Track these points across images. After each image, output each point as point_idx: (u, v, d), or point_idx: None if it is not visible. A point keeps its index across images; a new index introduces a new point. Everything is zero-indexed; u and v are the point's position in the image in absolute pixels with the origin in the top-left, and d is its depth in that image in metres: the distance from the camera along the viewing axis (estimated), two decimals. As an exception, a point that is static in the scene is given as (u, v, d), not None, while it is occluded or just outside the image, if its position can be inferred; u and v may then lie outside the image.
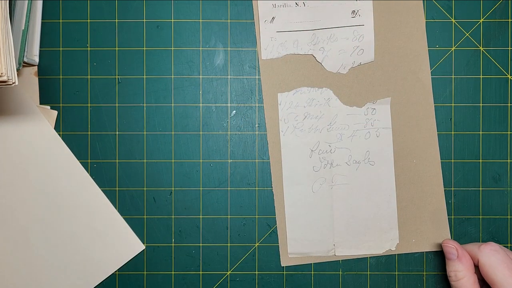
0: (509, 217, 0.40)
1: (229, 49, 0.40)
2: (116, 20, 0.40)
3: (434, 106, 0.40)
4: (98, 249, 0.39)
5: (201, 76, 0.40)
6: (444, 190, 0.40)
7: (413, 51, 0.39)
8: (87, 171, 0.39)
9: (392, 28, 0.39)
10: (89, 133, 0.40)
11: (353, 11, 0.39)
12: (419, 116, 0.40)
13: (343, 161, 0.39)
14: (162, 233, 0.40)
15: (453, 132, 0.40)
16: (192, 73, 0.40)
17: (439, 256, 0.40)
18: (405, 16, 0.39)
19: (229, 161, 0.40)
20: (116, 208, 0.39)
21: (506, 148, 0.40)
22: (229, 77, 0.40)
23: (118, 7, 0.39)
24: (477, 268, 0.35)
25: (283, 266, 0.40)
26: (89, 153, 0.39)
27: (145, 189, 0.40)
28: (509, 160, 0.40)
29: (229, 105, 0.40)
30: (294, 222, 0.39)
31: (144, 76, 0.40)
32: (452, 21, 0.40)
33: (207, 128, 0.40)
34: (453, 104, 0.40)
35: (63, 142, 0.39)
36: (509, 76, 0.40)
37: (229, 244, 0.40)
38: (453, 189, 0.40)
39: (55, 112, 0.39)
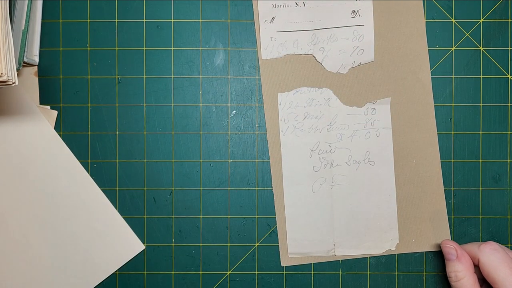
0: (509, 217, 0.40)
1: (229, 49, 0.40)
2: (116, 20, 0.40)
3: (434, 106, 0.40)
4: (98, 249, 0.39)
5: (201, 76, 0.40)
6: (444, 190, 0.40)
7: (413, 51, 0.39)
8: (87, 171, 0.39)
9: (392, 28, 0.39)
10: (89, 133, 0.40)
11: (353, 11, 0.39)
12: (419, 116, 0.40)
13: (343, 161, 0.39)
14: (162, 233, 0.40)
15: (453, 132, 0.40)
16: (192, 73, 0.40)
17: (439, 256, 0.40)
18: (405, 16, 0.39)
19: (229, 161, 0.40)
20: (116, 208, 0.39)
21: (506, 148, 0.40)
22: (229, 77, 0.40)
23: (118, 7, 0.39)
24: (477, 267, 0.35)
25: (283, 266, 0.40)
26: (89, 153, 0.39)
27: (145, 189, 0.40)
28: (509, 160, 0.40)
29: (229, 105, 0.40)
30: (294, 222, 0.39)
31: (144, 76, 0.40)
32: (452, 21, 0.40)
33: (207, 128, 0.40)
34: (453, 104, 0.40)
35: (63, 142, 0.39)
36: (509, 76, 0.40)
37: (229, 244, 0.40)
38: (453, 189, 0.40)
39: (55, 112, 0.39)
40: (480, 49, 0.40)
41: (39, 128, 0.39)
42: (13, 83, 0.32)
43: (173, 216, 0.40)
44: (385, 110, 0.39)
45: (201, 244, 0.40)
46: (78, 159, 0.39)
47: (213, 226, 0.40)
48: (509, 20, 0.40)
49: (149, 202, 0.40)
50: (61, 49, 0.39)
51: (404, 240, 0.40)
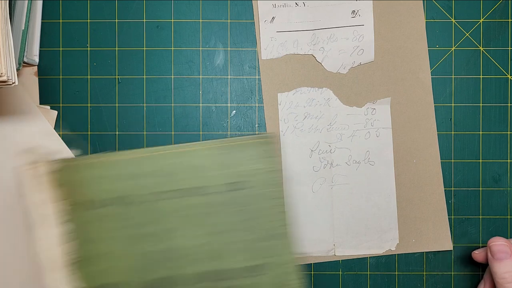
0: (509, 217, 0.40)
1: (229, 49, 0.40)
2: (116, 20, 0.40)
3: (434, 106, 0.40)
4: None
5: (201, 76, 0.40)
6: (444, 190, 0.40)
7: (413, 51, 0.39)
8: (87, 171, 0.39)
9: (392, 28, 0.39)
10: (89, 133, 0.40)
11: (353, 11, 0.39)
12: (419, 116, 0.40)
13: (343, 161, 0.39)
14: (162, 233, 0.40)
15: (453, 132, 0.40)
16: (192, 73, 0.40)
17: (439, 256, 0.40)
18: (405, 16, 0.39)
19: (229, 161, 0.40)
20: (116, 208, 0.39)
21: (506, 148, 0.40)
22: (229, 77, 0.40)
23: (118, 7, 0.39)
24: None
25: (283, 266, 0.40)
26: (89, 153, 0.39)
27: (145, 189, 0.40)
28: (509, 160, 0.40)
29: (229, 105, 0.40)
30: (294, 222, 0.39)
31: (144, 76, 0.40)
32: (452, 21, 0.40)
33: (207, 128, 0.40)
34: (453, 104, 0.40)
35: (63, 142, 0.39)
36: (509, 76, 0.40)
37: (229, 244, 0.40)
38: (453, 189, 0.40)
39: (55, 112, 0.39)
40: (480, 49, 0.40)
41: (39, 128, 0.39)
42: (13, 83, 0.32)
43: (173, 216, 0.40)
44: (385, 110, 0.39)
45: (201, 244, 0.40)
46: (78, 159, 0.39)
47: (213, 226, 0.40)
48: (509, 20, 0.40)
49: (149, 202, 0.40)
50: (61, 49, 0.39)
51: (404, 240, 0.40)
